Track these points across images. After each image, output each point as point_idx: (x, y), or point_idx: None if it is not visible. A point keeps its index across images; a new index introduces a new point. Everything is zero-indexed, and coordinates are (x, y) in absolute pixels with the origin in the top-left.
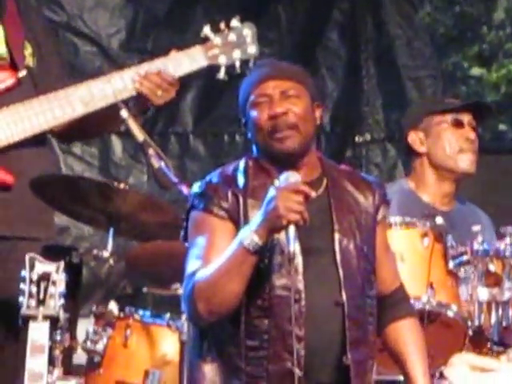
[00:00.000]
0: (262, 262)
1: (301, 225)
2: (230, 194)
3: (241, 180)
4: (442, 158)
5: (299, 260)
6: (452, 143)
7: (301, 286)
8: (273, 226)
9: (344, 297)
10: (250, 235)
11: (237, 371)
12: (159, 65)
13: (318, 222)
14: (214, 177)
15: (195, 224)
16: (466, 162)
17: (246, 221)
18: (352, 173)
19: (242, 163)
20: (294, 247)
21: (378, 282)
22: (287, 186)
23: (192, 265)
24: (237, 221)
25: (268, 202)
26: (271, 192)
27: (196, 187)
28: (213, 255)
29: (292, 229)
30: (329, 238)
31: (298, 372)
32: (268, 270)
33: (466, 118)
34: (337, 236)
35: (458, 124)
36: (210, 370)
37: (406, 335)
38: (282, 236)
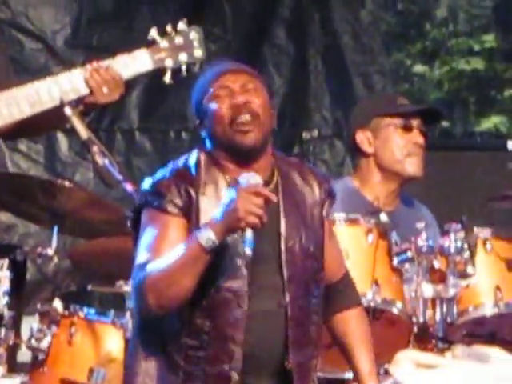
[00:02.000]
0: (211, 263)
1: (258, 228)
2: (182, 190)
3: (192, 175)
4: (389, 161)
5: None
6: (400, 147)
7: (245, 290)
8: (231, 227)
9: (287, 299)
10: (206, 233)
11: (175, 368)
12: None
13: (267, 221)
14: (165, 173)
15: (148, 221)
16: (413, 166)
17: (198, 217)
18: (302, 165)
19: (193, 157)
20: (251, 250)
21: (326, 269)
22: (248, 188)
23: (142, 256)
24: (189, 216)
25: (228, 203)
26: (231, 193)
27: (147, 184)
28: (164, 247)
29: (249, 232)
30: (275, 240)
31: (234, 375)
32: (215, 270)
33: (415, 122)
34: (282, 239)
35: (408, 128)
36: (147, 365)
37: (353, 326)
38: (232, 237)
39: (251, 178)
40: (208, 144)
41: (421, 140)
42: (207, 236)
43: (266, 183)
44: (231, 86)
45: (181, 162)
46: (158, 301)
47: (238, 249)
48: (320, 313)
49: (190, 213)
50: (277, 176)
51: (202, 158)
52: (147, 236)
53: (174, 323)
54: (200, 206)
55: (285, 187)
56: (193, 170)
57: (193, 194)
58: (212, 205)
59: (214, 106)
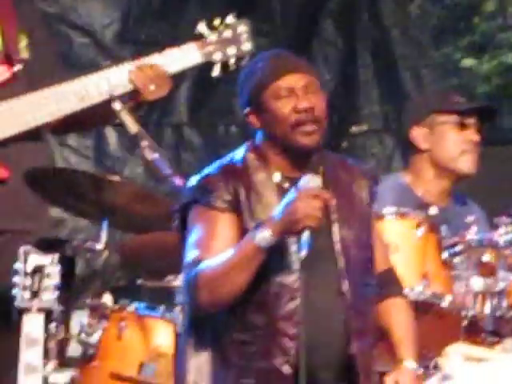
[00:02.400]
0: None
1: (315, 230)
2: (230, 186)
3: (240, 171)
4: (444, 159)
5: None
6: (456, 145)
7: (297, 284)
8: (289, 228)
9: (346, 286)
10: (263, 233)
11: (227, 363)
12: (154, 60)
13: None
14: (212, 170)
15: (197, 217)
16: (467, 163)
17: (247, 213)
18: (344, 159)
19: (240, 153)
20: (307, 252)
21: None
22: (308, 191)
23: (192, 253)
24: (237, 212)
25: (287, 204)
26: (291, 194)
27: (194, 181)
28: (214, 244)
29: (306, 233)
30: (327, 233)
31: (287, 369)
32: (268, 265)
33: (471, 119)
34: (335, 226)
35: (464, 126)
36: (199, 361)
37: (396, 314)
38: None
39: (311, 181)
40: (259, 135)
41: (476, 138)
42: (263, 235)
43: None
44: (295, 88)
45: (228, 158)
46: (210, 298)
47: (292, 245)
48: (374, 303)
49: (238, 208)
50: (323, 171)
51: (252, 155)
52: (196, 233)
53: (226, 319)
54: (249, 201)
55: (332, 182)
56: (240, 166)
57: (241, 189)
58: (260, 201)
59: (276, 105)
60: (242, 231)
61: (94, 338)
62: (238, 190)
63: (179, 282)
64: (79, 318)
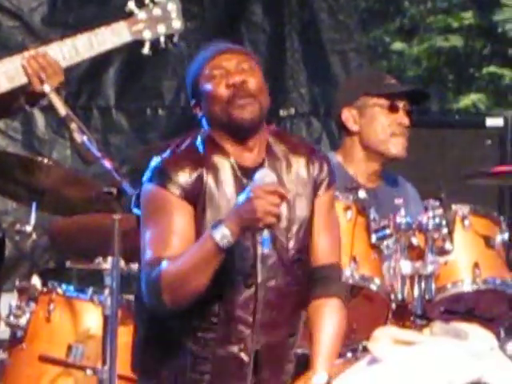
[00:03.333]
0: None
1: (274, 227)
2: (192, 172)
3: (201, 157)
4: (373, 141)
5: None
6: (385, 127)
7: (253, 273)
8: (248, 226)
9: (259, 279)
10: (222, 231)
11: (183, 351)
12: (84, 39)
13: None
14: (172, 153)
15: (151, 199)
16: (397, 146)
17: (205, 202)
18: (299, 145)
19: (199, 139)
20: (268, 248)
21: (311, 252)
22: (265, 188)
23: (151, 251)
24: (194, 200)
25: (244, 202)
26: (247, 192)
27: (154, 162)
28: (173, 240)
29: (266, 231)
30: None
31: (244, 356)
32: (226, 256)
33: (401, 102)
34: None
35: (394, 109)
36: (155, 350)
37: (323, 318)
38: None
39: (266, 177)
40: (205, 125)
41: (406, 121)
42: (222, 234)
43: (259, 164)
44: (226, 66)
45: (188, 141)
46: (173, 299)
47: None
48: (304, 293)
49: (196, 196)
50: (265, 155)
51: (206, 141)
52: (153, 226)
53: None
54: (207, 190)
55: (270, 168)
56: (201, 151)
57: (203, 175)
58: (217, 190)
59: (209, 86)
60: (200, 218)
61: (23, 321)
62: (200, 175)
63: (107, 264)
64: (7, 301)
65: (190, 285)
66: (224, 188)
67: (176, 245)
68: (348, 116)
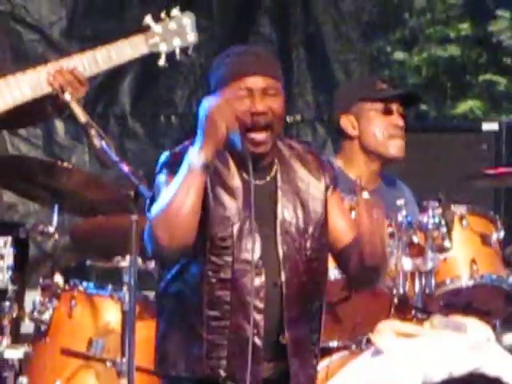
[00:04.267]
0: (227, 238)
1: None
2: None
3: None
4: (372, 144)
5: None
6: (382, 130)
7: (261, 262)
8: (213, 135)
9: (283, 278)
10: (195, 155)
11: (198, 340)
12: (103, 52)
13: (265, 208)
14: (181, 147)
15: (160, 185)
16: (395, 147)
17: (207, 191)
18: (306, 152)
19: None
20: (245, 148)
21: (333, 238)
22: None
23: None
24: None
25: (203, 118)
26: (202, 110)
27: (163, 157)
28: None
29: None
30: (272, 223)
31: (258, 341)
32: (231, 244)
33: (394, 105)
34: (278, 222)
35: (388, 112)
36: (173, 341)
37: None
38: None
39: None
40: None
41: (401, 122)
42: (196, 157)
43: (265, 171)
44: (253, 88)
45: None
46: (167, 235)
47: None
48: (325, 289)
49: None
50: (277, 163)
51: None
52: (158, 204)
53: (195, 297)
54: (210, 181)
55: (283, 174)
56: None
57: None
58: (220, 182)
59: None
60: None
61: (46, 316)
62: None
63: (126, 262)
64: (32, 297)
65: (178, 215)
66: (228, 181)
67: None
68: (346, 122)
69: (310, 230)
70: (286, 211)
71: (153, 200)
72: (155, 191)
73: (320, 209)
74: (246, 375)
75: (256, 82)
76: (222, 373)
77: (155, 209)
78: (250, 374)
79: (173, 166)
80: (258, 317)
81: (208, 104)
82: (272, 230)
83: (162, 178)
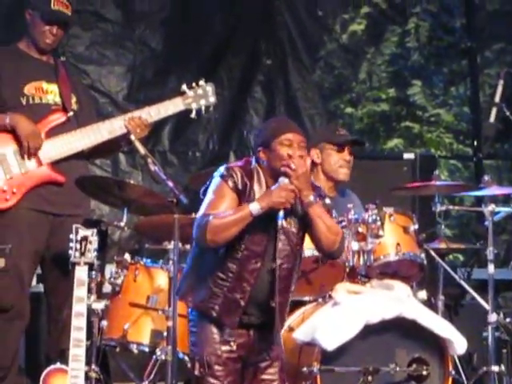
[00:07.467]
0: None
1: (287, 209)
2: (244, 178)
3: (252, 172)
4: (328, 170)
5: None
6: (335, 162)
7: (261, 253)
8: (274, 205)
9: (278, 264)
10: (256, 205)
11: (206, 287)
12: (153, 109)
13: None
14: (237, 164)
15: (214, 187)
16: (343, 174)
17: (251, 199)
18: None
19: (253, 162)
20: (282, 222)
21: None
22: (286, 185)
23: (206, 209)
24: (241, 196)
25: (276, 189)
26: (278, 184)
27: (221, 168)
28: (219, 207)
29: (281, 211)
30: (275, 225)
31: (242, 302)
32: (247, 235)
33: (346, 146)
34: (279, 223)
35: (341, 150)
36: (195, 286)
37: None
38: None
39: (285, 180)
40: (256, 161)
41: (348, 158)
42: (256, 206)
43: None
44: (294, 141)
45: (244, 163)
46: (212, 238)
47: (264, 228)
48: (299, 270)
49: (243, 195)
50: None
51: (258, 169)
52: (210, 197)
53: (216, 261)
54: (252, 193)
55: None
56: (253, 170)
57: (249, 183)
58: (259, 192)
59: (279, 149)
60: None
61: (119, 281)
62: (246, 183)
63: (171, 245)
64: (110, 269)
65: (225, 232)
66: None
67: (221, 209)
68: (313, 154)
69: (295, 231)
70: (288, 218)
71: (206, 191)
72: (209, 186)
73: (304, 217)
74: (227, 320)
75: (295, 137)
76: (214, 314)
77: (214, 218)
78: (231, 320)
79: (225, 174)
80: (248, 288)
81: (281, 187)
82: (273, 230)
83: (217, 180)
